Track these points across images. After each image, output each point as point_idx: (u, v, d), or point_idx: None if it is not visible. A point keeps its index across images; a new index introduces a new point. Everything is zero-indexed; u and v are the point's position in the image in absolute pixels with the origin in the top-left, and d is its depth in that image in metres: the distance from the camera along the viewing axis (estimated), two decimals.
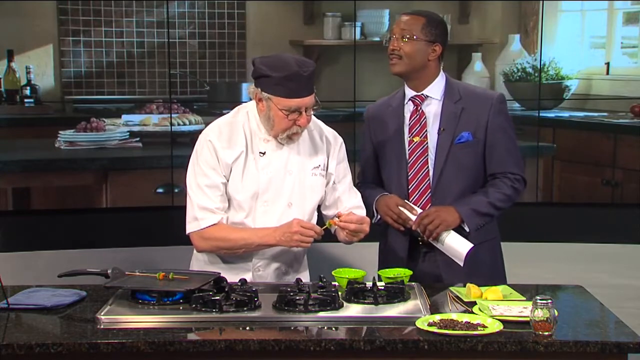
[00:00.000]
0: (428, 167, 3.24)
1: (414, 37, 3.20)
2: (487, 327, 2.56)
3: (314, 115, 3.10)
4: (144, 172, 4.88)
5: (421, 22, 3.22)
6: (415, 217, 3.19)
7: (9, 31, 4.70)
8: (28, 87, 4.75)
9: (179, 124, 4.82)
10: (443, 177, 3.23)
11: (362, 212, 3.18)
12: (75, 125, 4.78)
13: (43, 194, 4.84)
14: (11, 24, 4.68)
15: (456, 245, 3.14)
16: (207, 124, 3.20)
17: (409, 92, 3.29)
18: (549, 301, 2.50)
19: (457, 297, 2.86)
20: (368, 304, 2.78)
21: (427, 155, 3.25)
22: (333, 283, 2.93)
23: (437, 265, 3.24)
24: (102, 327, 2.62)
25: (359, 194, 3.24)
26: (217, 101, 4.93)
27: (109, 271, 2.93)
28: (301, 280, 2.88)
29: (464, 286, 2.92)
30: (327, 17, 4.98)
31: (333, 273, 2.99)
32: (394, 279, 2.95)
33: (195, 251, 3.18)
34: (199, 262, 3.19)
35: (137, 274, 2.96)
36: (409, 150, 3.27)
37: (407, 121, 3.29)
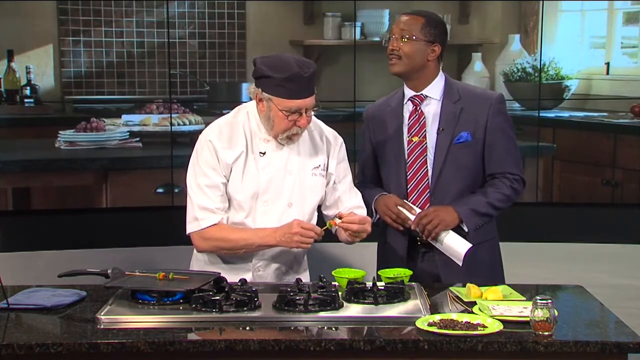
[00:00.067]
0: (427, 167, 3.25)
1: (414, 37, 3.20)
2: (487, 327, 2.56)
3: (314, 115, 3.10)
4: (144, 172, 4.88)
5: (420, 22, 3.22)
6: (414, 216, 3.19)
7: (9, 31, 4.70)
8: (28, 87, 4.75)
9: (179, 124, 4.82)
10: (442, 177, 3.23)
11: (362, 211, 3.18)
12: (75, 125, 4.78)
13: (43, 194, 4.85)
14: (11, 24, 4.69)
15: (455, 245, 3.14)
16: (207, 124, 3.20)
17: (408, 92, 3.29)
18: (549, 301, 2.50)
19: (457, 297, 2.86)
20: (368, 304, 2.78)
21: (426, 155, 3.25)
22: (333, 283, 2.93)
23: (435, 265, 3.25)
24: (102, 327, 2.62)
25: (359, 194, 3.24)
26: (217, 101, 4.93)
27: (109, 271, 2.93)
28: (301, 280, 2.88)
29: (464, 286, 2.92)
30: (327, 17, 4.98)
31: (333, 273, 2.99)
32: (394, 279, 2.95)
33: (195, 251, 3.18)
34: (199, 262, 3.19)
35: (137, 274, 2.96)
36: (408, 150, 3.27)
37: (406, 121, 3.29)
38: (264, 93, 2.98)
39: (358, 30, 4.93)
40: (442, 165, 3.22)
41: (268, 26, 4.95)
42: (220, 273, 2.94)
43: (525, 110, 4.93)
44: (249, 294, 2.74)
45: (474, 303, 2.77)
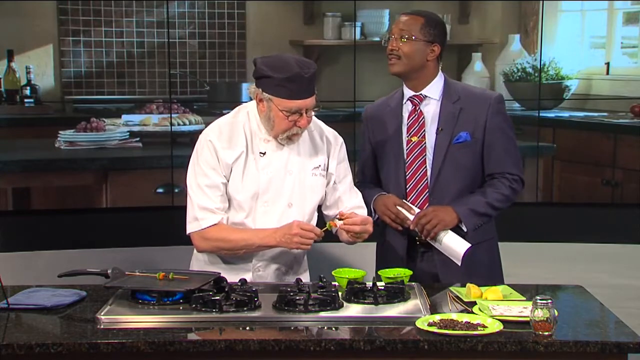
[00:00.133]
0: (426, 166, 3.25)
1: (413, 37, 3.20)
2: (487, 327, 2.56)
3: (314, 115, 3.10)
4: (144, 172, 4.88)
5: (420, 22, 3.22)
6: (413, 216, 3.19)
7: (9, 31, 4.70)
8: (28, 87, 4.75)
9: (179, 124, 4.82)
10: (441, 177, 3.23)
11: (363, 211, 3.18)
12: (75, 125, 4.78)
13: (43, 194, 4.85)
14: (11, 24, 4.69)
15: (454, 244, 3.14)
16: (207, 124, 3.20)
17: (408, 92, 3.30)
18: (549, 301, 2.50)
19: (457, 297, 2.86)
20: (368, 304, 2.78)
21: (425, 155, 3.25)
22: (333, 283, 2.93)
23: (434, 265, 3.25)
24: (102, 327, 2.62)
25: (359, 194, 3.24)
26: (217, 101, 4.93)
27: (109, 271, 2.93)
28: (301, 280, 2.88)
29: (464, 286, 2.92)
30: (327, 17, 4.98)
31: (333, 273, 2.99)
32: (394, 279, 2.95)
33: (195, 251, 3.18)
34: (199, 262, 3.19)
35: (137, 274, 2.96)
36: (407, 149, 3.27)
37: (405, 121, 3.29)
38: (264, 93, 2.98)
39: (358, 30, 4.93)
40: (441, 165, 3.23)
41: (268, 26, 4.95)
42: (220, 273, 2.94)
43: (525, 110, 4.93)
44: (249, 294, 2.74)
45: (474, 303, 2.77)
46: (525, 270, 4.01)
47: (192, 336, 2.57)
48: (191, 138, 4.37)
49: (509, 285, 2.98)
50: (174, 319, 2.65)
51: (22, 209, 4.82)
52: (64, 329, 2.67)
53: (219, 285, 2.84)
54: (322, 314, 2.69)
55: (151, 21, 4.82)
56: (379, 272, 3.03)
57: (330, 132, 3.22)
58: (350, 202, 3.19)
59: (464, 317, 2.62)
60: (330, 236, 3.12)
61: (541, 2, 4.80)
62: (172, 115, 4.81)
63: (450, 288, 2.95)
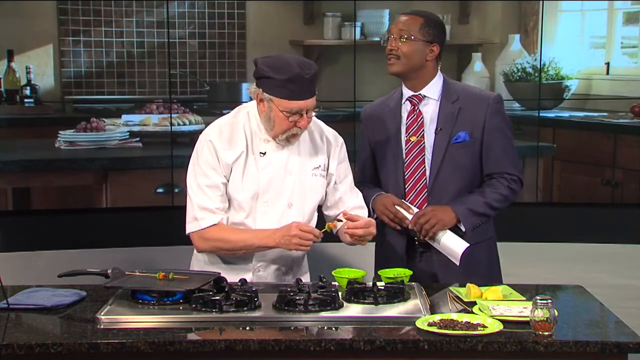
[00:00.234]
0: (425, 166, 3.25)
1: (412, 37, 3.20)
2: (487, 327, 2.56)
3: (314, 115, 3.09)
4: (144, 172, 4.88)
5: (419, 22, 3.22)
6: (412, 216, 3.19)
7: (9, 31, 4.70)
8: (28, 87, 4.75)
9: (179, 124, 4.82)
10: (440, 177, 3.23)
11: (364, 212, 3.19)
12: (75, 125, 4.78)
13: (43, 194, 4.85)
14: (11, 24, 4.69)
15: (452, 244, 3.15)
16: (207, 124, 3.20)
17: (407, 92, 3.30)
18: (549, 301, 2.50)
19: (457, 297, 2.86)
20: (368, 304, 2.78)
21: (424, 154, 3.25)
22: (333, 283, 2.93)
23: (433, 265, 3.25)
24: (102, 327, 2.62)
25: (360, 194, 3.24)
26: (217, 101, 4.93)
27: (109, 271, 2.93)
28: (301, 280, 2.88)
29: (463, 286, 2.92)
30: (327, 17, 4.98)
31: (333, 273, 2.99)
32: (394, 279, 2.95)
33: (195, 251, 3.18)
34: (199, 262, 3.19)
35: (137, 274, 2.96)
36: (406, 149, 3.27)
37: (404, 121, 3.29)
38: (264, 94, 2.98)
39: (358, 30, 4.93)
40: (439, 165, 3.23)
41: (268, 26, 4.95)
42: (220, 273, 2.94)
43: (525, 110, 4.93)
44: (249, 294, 2.74)
45: (474, 303, 2.77)
46: (525, 270, 4.01)
47: (192, 336, 2.57)
48: (191, 138, 4.37)
49: (508, 285, 2.98)
50: (174, 319, 2.65)
51: (22, 209, 4.82)
52: (64, 329, 2.67)
53: (219, 285, 2.84)
54: (322, 314, 2.69)
55: (151, 21, 4.82)
56: (379, 272, 3.03)
57: (330, 133, 3.22)
58: (351, 203, 3.19)
59: (464, 317, 2.62)
60: (330, 236, 3.12)
61: (541, 2, 4.80)
62: (172, 115, 4.81)
63: (450, 288, 2.95)
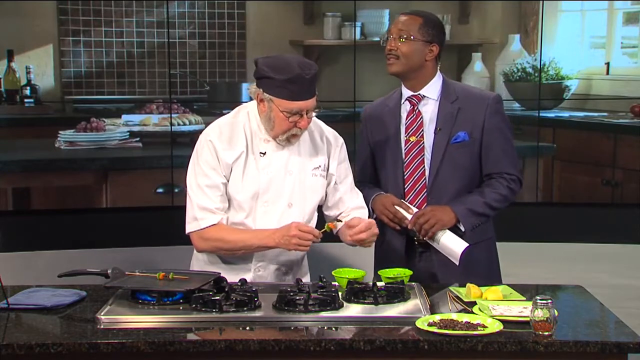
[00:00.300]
0: (424, 166, 3.25)
1: (411, 37, 3.20)
2: (487, 327, 2.56)
3: (314, 115, 3.09)
4: (144, 172, 4.88)
5: (418, 22, 3.22)
6: (411, 216, 3.19)
7: (9, 31, 4.70)
8: (28, 87, 4.75)
9: (179, 124, 4.82)
10: (439, 177, 3.23)
11: (364, 212, 3.19)
12: (75, 125, 4.78)
13: (43, 194, 4.85)
14: (11, 24, 4.69)
15: (452, 244, 3.15)
16: (207, 124, 3.20)
17: (406, 92, 3.30)
18: (549, 301, 2.50)
19: (457, 297, 2.86)
20: (368, 304, 2.78)
21: (424, 154, 3.25)
22: (333, 283, 2.93)
23: (433, 265, 3.25)
24: (102, 327, 2.62)
25: (360, 194, 3.24)
26: (217, 101, 4.93)
27: (109, 271, 2.93)
28: (301, 280, 2.88)
29: (462, 286, 2.92)
30: (327, 17, 4.98)
31: (333, 273, 2.99)
32: (394, 279, 2.95)
33: (195, 251, 3.18)
34: (199, 262, 3.19)
35: (137, 274, 2.96)
36: (405, 149, 3.27)
37: (403, 121, 3.30)
38: (265, 94, 2.98)
39: (358, 30, 4.93)
40: (439, 165, 3.23)
41: (268, 26, 4.95)
42: (220, 273, 2.94)
43: (525, 110, 4.93)
44: (249, 294, 2.74)
45: (474, 303, 2.77)
46: (525, 270, 4.01)
47: (192, 336, 2.57)
48: (191, 138, 4.37)
49: (508, 285, 2.98)
50: (174, 319, 2.65)
51: (22, 209, 4.82)
52: (64, 329, 2.67)
53: (219, 285, 2.84)
54: (322, 314, 2.69)
55: (151, 21, 4.82)
56: (379, 272, 3.03)
57: (330, 133, 3.22)
58: (351, 203, 3.19)
59: (464, 317, 2.62)
60: (331, 236, 3.12)
61: (541, 2, 4.80)
62: (172, 115, 4.81)
63: (450, 288, 2.95)
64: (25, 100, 4.76)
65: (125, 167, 4.86)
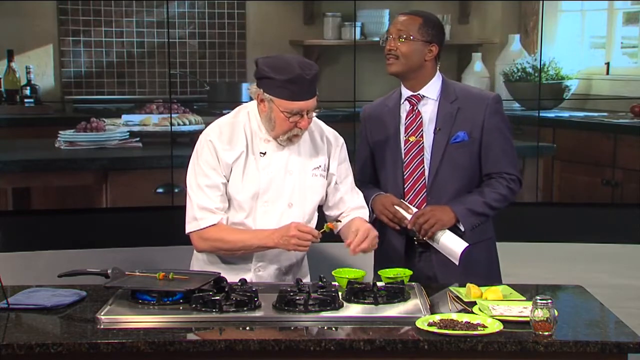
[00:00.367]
0: (424, 166, 3.25)
1: (411, 37, 3.20)
2: (487, 327, 2.56)
3: (315, 115, 3.09)
4: (144, 172, 4.89)
5: (418, 22, 3.22)
6: (411, 216, 3.19)
7: (9, 31, 4.70)
8: (28, 87, 4.75)
9: (179, 124, 4.82)
10: (438, 177, 3.23)
11: (365, 212, 3.20)
12: (75, 125, 4.78)
13: (43, 194, 4.85)
14: (11, 24, 4.69)
15: (451, 244, 3.15)
16: (207, 124, 3.20)
17: (405, 92, 3.30)
18: (549, 301, 2.50)
19: (457, 297, 2.86)
20: (368, 304, 2.78)
21: (423, 154, 3.25)
22: (333, 283, 2.93)
23: (432, 265, 3.25)
24: (102, 327, 2.62)
25: (361, 194, 3.24)
26: (217, 101, 4.93)
27: (109, 271, 2.93)
28: (301, 280, 2.88)
29: (462, 286, 2.92)
30: (327, 17, 4.99)
31: (333, 273, 2.99)
32: (394, 279, 2.95)
33: (195, 251, 3.18)
34: (199, 262, 3.19)
35: (137, 274, 2.96)
36: (404, 149, 3.27)
37: (403, 121, 3.30)
38: (265, 94, 2.98)
39: (358, 30, 4.93)
40: (438, 165, 3.23)
41: (268, 26, 4.95)
42: (220, 273, 2.94)
43: (525, 110, 4.93)
44: (249, 294, 2.74)
45: (474, 303, 2.77)
46: (525, 270, 4.01)
47: (192, 336, 2.57)
48: (191, 138, 4.37)
49: (508, 285, 2.98)
50: (174, 319, 2.65)
51: (22, 209, 4.83)
52: (64, 329, 2.67)
53: (219, 285, 2.84)
54: (322, 314, 2.69)
55: (151, 21, 4.82)
56: (378, 272, 3.03)
57: (330, 133, 3.22)
58: (352, 203, 3.19)
59: (464, 317, 2.62)
60: (331, 236, 3.12)
61: (541, 2, 4.80)
62: (172, 115, 4.81)
63: (450, 288, 2.95)
64: (25, 100, 4.76)
65: (125, 167, 4.86)
